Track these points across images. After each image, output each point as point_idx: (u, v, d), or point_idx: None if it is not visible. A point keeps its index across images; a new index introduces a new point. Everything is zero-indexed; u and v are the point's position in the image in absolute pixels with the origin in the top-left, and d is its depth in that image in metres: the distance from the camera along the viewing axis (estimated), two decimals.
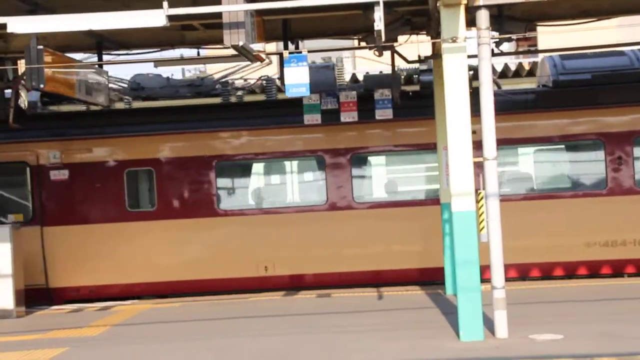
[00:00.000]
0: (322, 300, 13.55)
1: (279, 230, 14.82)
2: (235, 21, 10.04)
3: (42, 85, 11.29)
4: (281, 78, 13.70)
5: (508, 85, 16.22)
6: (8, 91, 14.80)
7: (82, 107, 15.60)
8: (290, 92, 11.18)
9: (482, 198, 9.86)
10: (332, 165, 14.92)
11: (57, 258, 14.95)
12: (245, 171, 15.43)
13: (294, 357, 9.20)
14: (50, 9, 11.42)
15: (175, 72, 17.95)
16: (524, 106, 14.88)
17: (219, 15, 10.07)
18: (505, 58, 19.39)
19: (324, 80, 15.02)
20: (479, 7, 9.57)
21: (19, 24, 10.28)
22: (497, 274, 9.56)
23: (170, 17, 9.94)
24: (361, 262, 14.70)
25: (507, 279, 13.96)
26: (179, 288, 14.94)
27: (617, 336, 9.39)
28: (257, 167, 15.41)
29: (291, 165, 15.33)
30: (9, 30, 10.24)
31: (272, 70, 19.95)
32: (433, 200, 14.46)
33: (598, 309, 11.38)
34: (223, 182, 15.16)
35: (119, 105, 15.97)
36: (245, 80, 16.62)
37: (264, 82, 16.01)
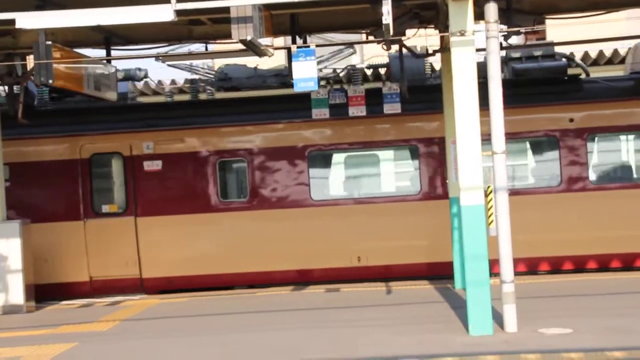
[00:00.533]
0: (331, 294, 13.55)
1: (372, 220, 14.71)
2: (243, 16, 10.05)
3: (50, 81, 11.30)
4: (289, 71, 13.67)
5: (595, 73, 16.07)
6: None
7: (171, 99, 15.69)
8: (299, 87, 11.18)
9: (491, 192, 9.84)
10: (427, 154, 14.83)
11: (151, 249, 15.00)
12: (338, 161, 15.37)
13: (303, 351, 9.20)
14: (58, 4, 11.42)
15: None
16: (624, 93, 14.74)
17: (226, 9, 10.07)
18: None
19: (414, 69, 15.00)
20: (488, 0, 9.55)
21: (28, 20, 10.30)
22: (506, 268, 9.54)
23: (178, 12, 9.94)
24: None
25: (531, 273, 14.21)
26: (270, 278, 14.93)
27: (626, 330, 9.37)
28: (350, 157, 15.32)
29: (385, 155, 15.24)
30: (18, 25, 10.26)
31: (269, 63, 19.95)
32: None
33: (607, 303, 11.34)
34: (315, 172, 15.10)
35: (202, 96, 16.10)
36: (334, 70, 16.59)
37: (351, 71, 15.93)
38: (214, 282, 14.98)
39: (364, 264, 14.79)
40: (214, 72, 16.31)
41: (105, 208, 15.16)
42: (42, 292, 14.41)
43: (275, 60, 15.43)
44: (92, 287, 15.07)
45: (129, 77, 15.91)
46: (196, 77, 16.68)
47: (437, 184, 14.78)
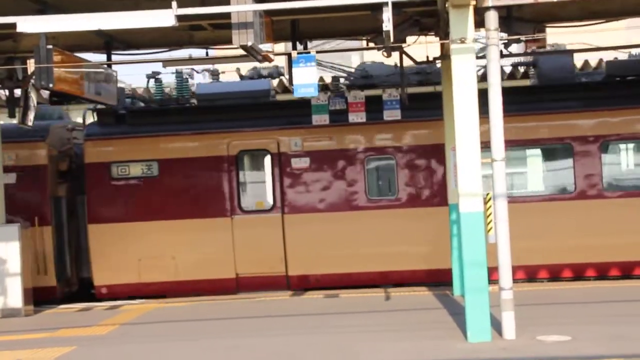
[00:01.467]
0: (330, 300, 13.55)
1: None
2: (244, 21, 10.06)
3: (51, 85, 11.31)
4: (289, 78, 13.69)
5: None
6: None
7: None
8: (299, 92, 11.19)
9: (490, 199, 9.85)
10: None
11: (297, 246, 14.96)
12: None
13: (302, 357, 9.21)
14: (59, 8, 11.44)
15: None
16: None
17: (227, 15, 10.09)
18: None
19: (562, 67, 14.95)
20: (488, 8, 9.57)
21: (29, 24, 10.32)
22: (505, 275, 9.54)
23: (179, 17, 9.96)
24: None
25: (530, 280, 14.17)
26: (416, 277, 14.79)
27: (625, 338, 9.37)
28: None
29: (541, 152, 15.12)
30: (19, 29, 10.28)
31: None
32: None
33: (606, 310, 11.35)
34: None
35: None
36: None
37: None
38: (357, 280, 14.82)
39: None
40: (353, 70, 16.15)
41: (252, 205, 15.17)
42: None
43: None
44: (238, 284, 15.02)
45: (269, 75, 16.09)
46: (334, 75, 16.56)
47: None
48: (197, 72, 17.14)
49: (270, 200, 15.14)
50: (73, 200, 16.09)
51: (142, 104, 16.72)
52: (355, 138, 15.05)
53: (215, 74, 17.02)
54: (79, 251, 15.92)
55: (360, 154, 15.06)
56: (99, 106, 15.21)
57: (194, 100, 16.25)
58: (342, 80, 16.37)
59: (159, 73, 16.55)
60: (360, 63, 15.96)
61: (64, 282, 15.59)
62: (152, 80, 16.63)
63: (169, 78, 19.39)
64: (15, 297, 13.24)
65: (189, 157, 15.17)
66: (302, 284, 15.01)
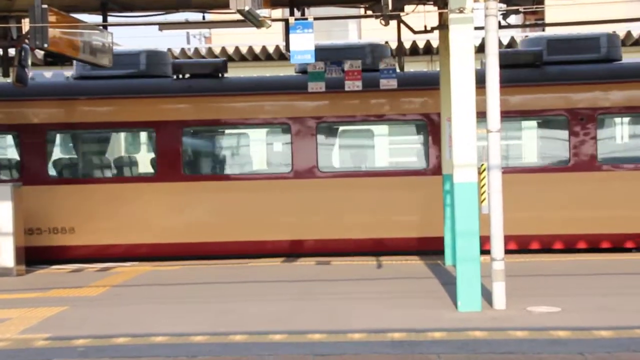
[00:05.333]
0: (322, 267, 13.61)
1: None
2: None
3: (45, 45, 11.23)
4: (286, 45, 13.63)
5: None
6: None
7: None
8: (295, 59, 11.16)
9: (484, 170, 9.87)
10: None
11: None
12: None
13: (295, 321, 9.26)
14: None
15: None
16: None
17: None
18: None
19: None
20: None
21: None
22: (497, 246, 9.59)
23: None
24: None
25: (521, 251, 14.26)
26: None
27: (614, 309, 9.45)
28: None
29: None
30: None
31: (277, 38, 19.89)
32: None
33: (596, 282, 11.43)
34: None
35: None
36: None
37: None
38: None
39: None
40: None
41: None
42: None
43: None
44: None
45: None
46: None
47: None
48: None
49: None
50: None
51: None
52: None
53: None
54: None
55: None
56: None
57: None
58: None
59: None
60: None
61: None
62: None
63: None
64: (7, 257, 13.26)
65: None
66: None
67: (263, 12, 10.97)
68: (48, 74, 16.35)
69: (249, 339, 8.44)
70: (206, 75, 15.53)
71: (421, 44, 19.86)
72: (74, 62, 15.10)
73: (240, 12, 10.27)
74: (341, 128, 15.54)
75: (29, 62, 15.10)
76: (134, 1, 13.80)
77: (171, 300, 10.81)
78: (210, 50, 20.85)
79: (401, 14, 12.38)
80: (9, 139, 16.12)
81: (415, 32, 14.52)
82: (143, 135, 16.34)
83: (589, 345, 7.90)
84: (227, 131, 15.94)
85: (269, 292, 11.20)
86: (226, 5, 10.45)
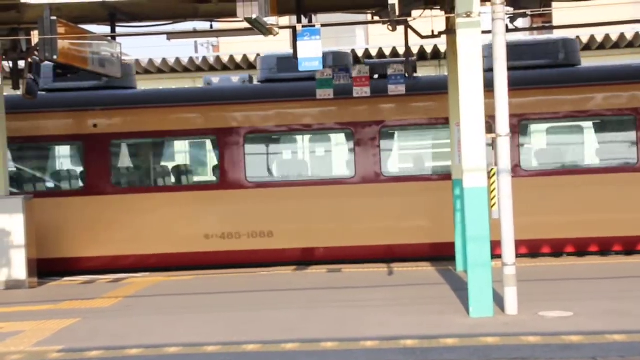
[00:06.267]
0: (333, 275, 13.60)
1: None
2: None
3: (55, 57, 11.29)
4: (294, 52, 13.64)
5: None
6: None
7: None
8: (303, 66, 11.17)
9: (494, 174, 9.85)
10: None
11: None
12: None
13: (307, 330, 9.25)
14: None
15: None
16: None
17: None
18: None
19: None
20: None
21: None
22: (508, 251, 9.57)
23: None
24: None
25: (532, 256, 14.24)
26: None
27: (626, 314, 9.41)
28: None
29: None
30: (23, 0, 10.23)
31: (285, 45, 19.91)
32: None
33: (608, 286, 11.38)
34: None
35: None
36: None
37: None
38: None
39: None
40: None
41: None
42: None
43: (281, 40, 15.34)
44: None
45: None
46: None
47: None
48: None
49: None
50: None
51: None
52: None
53: None
54: None
55: None
56: None
57: None
58: None
59: None
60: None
61: None
62: None
63: None
64: (19, 269, 13.31)
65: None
66: None
67: (270, 20, 10.97)
68: (235, 79, 16.57)
69: (262, 349, 8.44)
70: None
71: (429, 49, 19.86)
72: (258, 65, 15.59)
73: (247, 20, 10.29)
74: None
75: (40, 75, 15.18)
76: (142, 11, 13.85)
77: (183, 311, 10.82)
78: (218, 58, 20.90)
79: (408, 19, 12.39)
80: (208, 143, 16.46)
81: (422, 37, 14.52)
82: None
83: (602, 350, 7.86)
84: None
85: (281, 301, 11.20)
86: (234, 14, 10.48)
